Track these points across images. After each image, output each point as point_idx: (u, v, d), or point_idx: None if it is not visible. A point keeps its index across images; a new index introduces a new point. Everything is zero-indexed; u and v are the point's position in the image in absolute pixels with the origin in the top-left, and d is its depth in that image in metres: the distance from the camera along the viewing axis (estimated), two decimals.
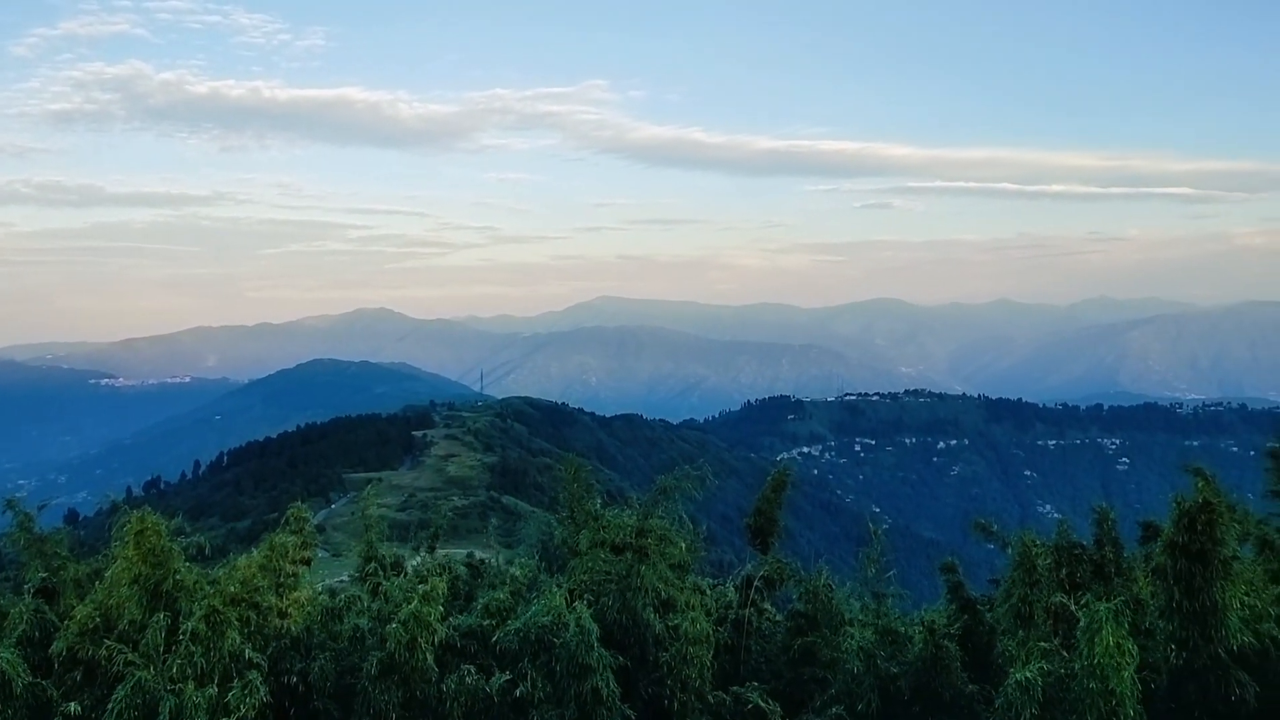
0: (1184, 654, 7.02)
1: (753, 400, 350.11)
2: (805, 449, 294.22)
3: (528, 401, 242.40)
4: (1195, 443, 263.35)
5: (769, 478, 10.75)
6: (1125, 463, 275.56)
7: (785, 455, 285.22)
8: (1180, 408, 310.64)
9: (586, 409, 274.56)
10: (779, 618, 11.21)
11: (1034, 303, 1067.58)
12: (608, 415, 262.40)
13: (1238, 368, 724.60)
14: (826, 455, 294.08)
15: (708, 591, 10.38)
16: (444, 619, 9.95)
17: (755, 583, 10.57)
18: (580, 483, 10.55)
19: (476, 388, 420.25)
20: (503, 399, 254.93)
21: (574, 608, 8.78)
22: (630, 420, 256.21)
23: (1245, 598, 7.56)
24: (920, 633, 9.65)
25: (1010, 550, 9.37)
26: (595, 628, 8.71)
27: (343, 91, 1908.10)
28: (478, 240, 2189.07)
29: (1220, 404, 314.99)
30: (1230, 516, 8.78)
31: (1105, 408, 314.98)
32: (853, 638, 9.60)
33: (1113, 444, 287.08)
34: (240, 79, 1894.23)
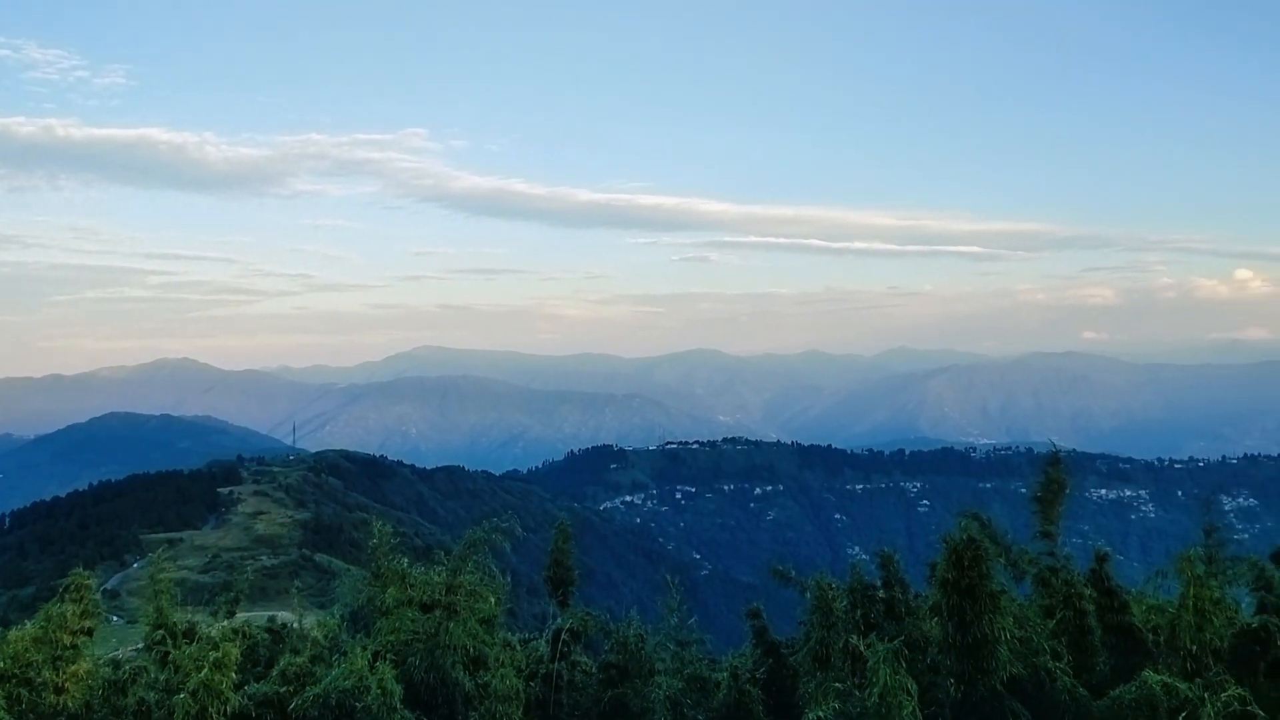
0: (962, 687, 7.45)
1: (576, 450, 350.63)
2: (628, 497, 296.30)
3: (343, 454, 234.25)
4: (988, 484, 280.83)
5: (555, 530, 10.75)
6: (926, 504, 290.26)
7: (608, 504, 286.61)
8: (974, 452, 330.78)
9: (406, 461, 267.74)
10: (593, 669, 11.18)
11: (842, 353, 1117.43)
12: (428, 467, 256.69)
13: (1024, 414, 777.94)
14: (649, 503, 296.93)
15: (518, 647, 10.26)
16: (238, 687, 9.42)
17: (562, 636, 10.52)
18: (384, 540, 10.25)
19: (289, 441, 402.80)
20: (317, 452, 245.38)
21: (376, 669, 8.50)
22: (452, 472, 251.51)
23: (1017, 630, 8.10)
24: (726, 678, 9.84)
25: (808, 594, 9.73)
26: (399, 689, 8.45)
27: (145, 132, 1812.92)
28: (291, 288, 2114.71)
29: (1009, 448, 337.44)
30: (996, 552, 9.49)
31: (907, 453, 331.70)
32: (660, 687, 9.70)
33: (914, 487, 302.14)
34: (31, 116, 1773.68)
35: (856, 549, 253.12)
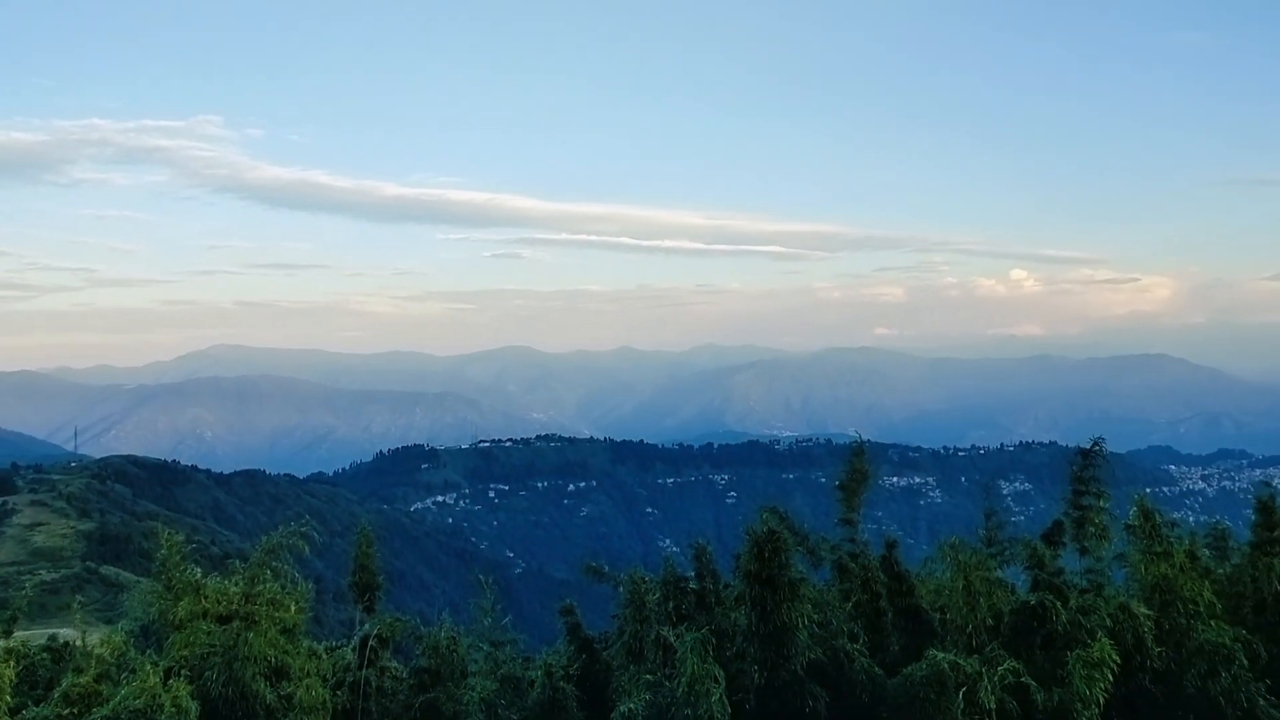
0: (765, 673, 7.73)
1: (385, 450, 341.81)
2: (440, 497, 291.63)
3: (131, 460, 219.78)
4: (791, 475, 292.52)
5: (357, 534, 10.38)
6: (734, 496, 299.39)
7: (420, 505, 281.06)
8: (778, 444, 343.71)
9: (201, 466, 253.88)
10: (404, 675, 10.90)
11: (653, 349, 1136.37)
12: (226, 472, 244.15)
13: (823, 407, 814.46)
14: (461, 503, 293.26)
15: (324, 655, 9.88)
16: (14, 712, 8.66)
17: (370, 642, 10.22)
18: (175, 549, 9.62)
19: (70, 447, 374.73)
20: (101, 458, 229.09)
21: (170, 687, 7.99)
22: (251, 476, 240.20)
23: (816, 615, 8.48)
24: (540, 676, 9.82)
25: (621, 589, 9.85)
26: (194, 706, 7.99)
27: None
28: (71, 283, 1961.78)
29: (810, 440, 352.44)
30: (795, 542, 9.94)
31: (715, 446, 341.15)
32: (474, 689, 9.58)
33: (722, 479, 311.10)
34: None
35: (668, 541, 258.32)
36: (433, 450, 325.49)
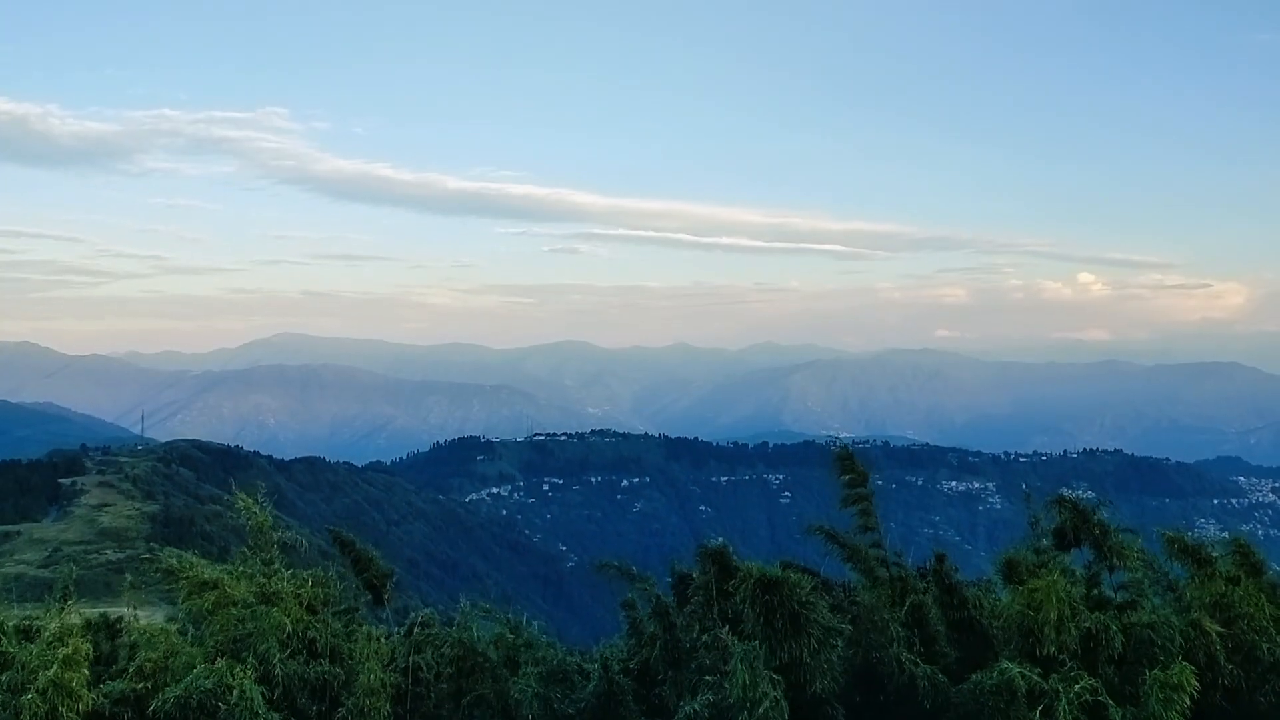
0: (790, 694, 7.74)
1: (442, 441, 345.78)
2: (494, 489, 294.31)
3: (196, 444, 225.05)
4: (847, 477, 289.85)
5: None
6: (788, 496, 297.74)
7: (474, 496, 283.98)
8: (835, 445, 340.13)
9: (263, 452, 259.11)
10: (453, 664, 10.96)
11: (709, 347, 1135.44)
12: (286, 459, 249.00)
13: (881, 408, 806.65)
14: (515, 495, 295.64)
15: (382, 640, 10.02)
16: (93, 685, 8.87)
17: (416, 630, 10.31)
18: (258, 521, 9.83)
19: (137, 430, 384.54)
20: (167, 442, 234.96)
21: (239, 671, 8.15)
22: (311, 463, 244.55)
23: (846, 626, 8.46)
24: (596, 669, 9.85)
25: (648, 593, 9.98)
26: (258, 691, 8.14)
27: None
28: (142, 270, 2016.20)
29: (867, 441, 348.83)
30: (846, 554, 9.95)
31: (770, 445, 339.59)
32: (527, 681, 9.64)
33: (777, 479, 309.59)
34: None
35: (720, 539, 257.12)
36: (488, 442, 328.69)
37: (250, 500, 10.62)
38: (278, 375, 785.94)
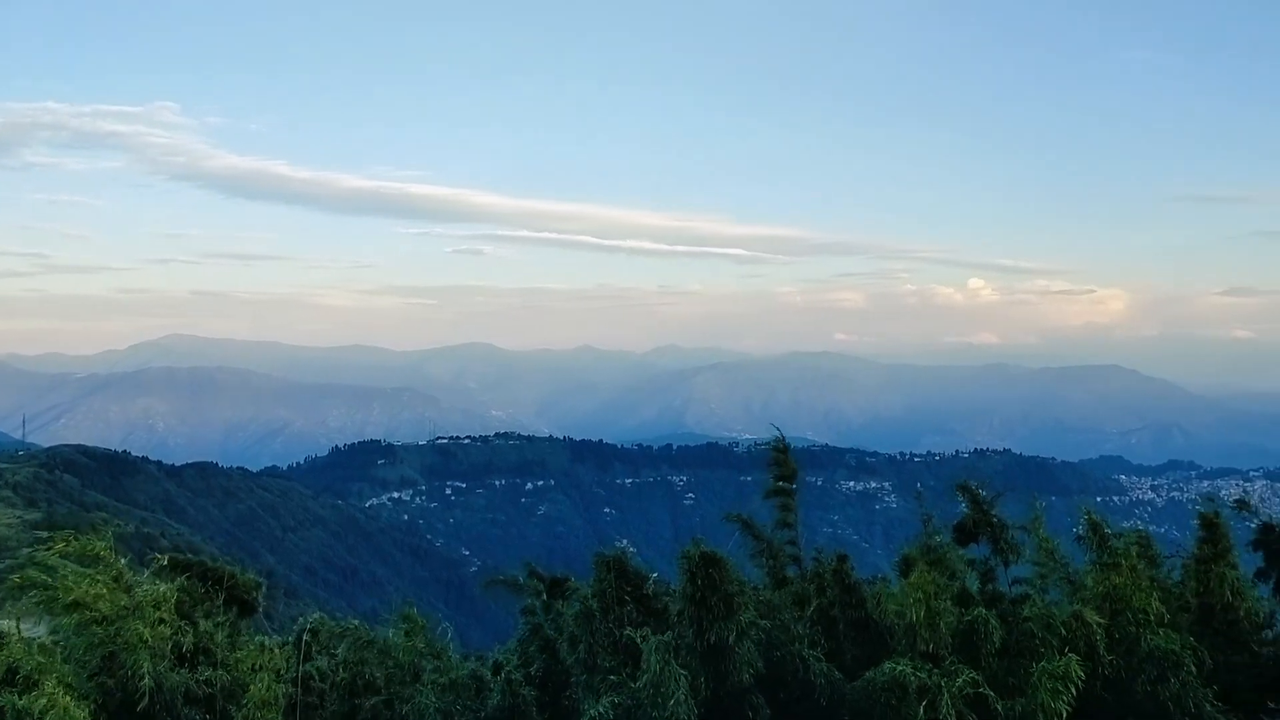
0: (711, 685, 7.79)
1: (341, 445, 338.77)
2: (396, 494, 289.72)
3: (81, 450, 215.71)
4: (749, 478, 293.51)
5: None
6: (691, 498, 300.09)
7: (375, 501, 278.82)
8: (737, 446, 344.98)
9: (152, 457, 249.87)
10: (347, 675, 10.71)
11: (613, 349, 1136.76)
12: (177, 464, 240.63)
13: (782, 410, 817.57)
14: (417, 500, 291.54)
15: (276, 651, 9.74)
16: None
17: (306, 637, 10.09)
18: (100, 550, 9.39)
19: (18, 435, 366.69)
20: (50, 447, 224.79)
21: (58, 694, 7.84)
22: (203, 469, 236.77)
23: (765, 623, 8.55)
24: (500, 680, 9.75)
25: (584, 588, 9.87)
26: (85, 711, 7.83)
27: None
28: (22, 268, 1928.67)
29: (769, 443, 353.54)
30: (759, 548, 10.09)
31: (674, 447, 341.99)
32: (427, 692, 9.50)
33: (680, 480, 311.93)
34: None
35: (625, 542, 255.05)
36: (390, 446, 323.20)
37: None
38: (167, 378, 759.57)
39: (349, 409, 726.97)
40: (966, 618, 8.66)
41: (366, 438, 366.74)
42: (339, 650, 10.09)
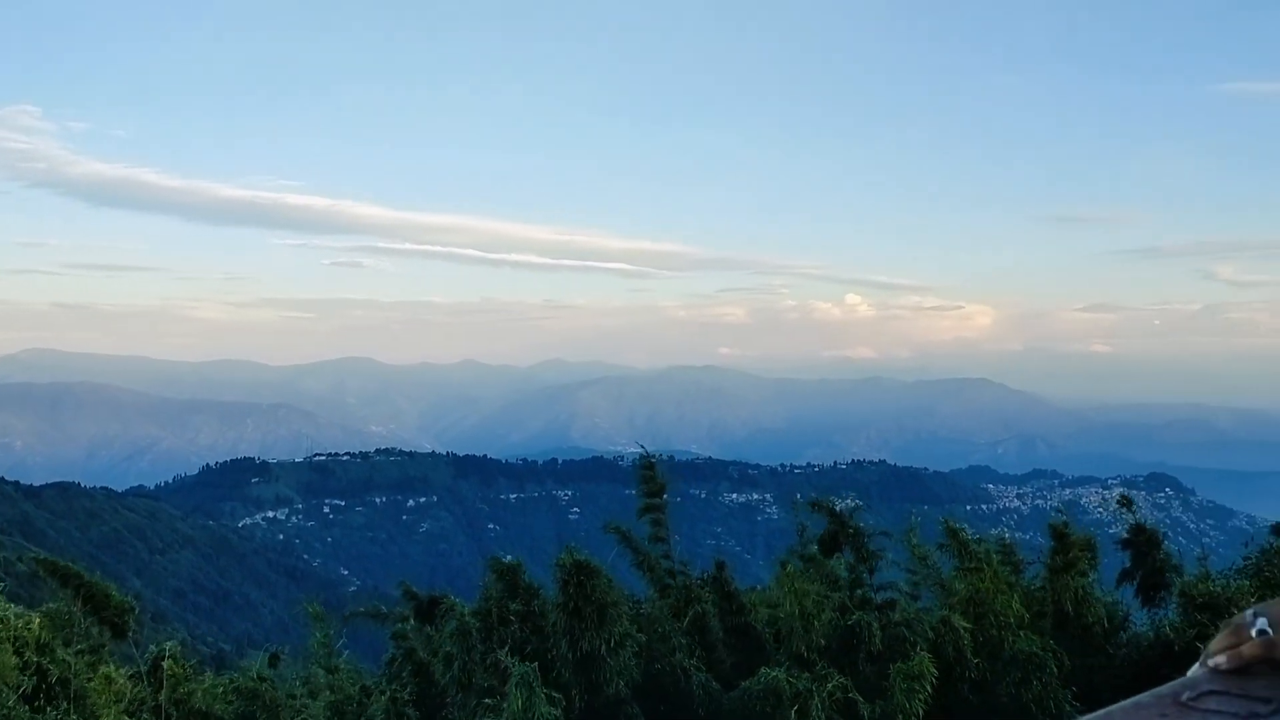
0: (584, 697, 7.76)
1: (213, 463, 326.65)
2: (270, 513, 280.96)
3: None
4: (633, 491, 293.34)
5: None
6: (576, 512, 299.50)
7: (248, 520, 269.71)
8: (622, 460, 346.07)
9: (9, 477, 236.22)
10: (214, 703, 10.30)
11: (497, 364, 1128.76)
12: (37, 484, 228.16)
13: (667, 424, 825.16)
14: (294, 519, 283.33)
15: (124, 681, 9.27)
16: None
17: (165, 664, 9.71)
18: None
19: None
20: None
21: None
22: (64, 489, 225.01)
23: (643, 636, 8.57)
24: (382, 700, 9.54)
25: (462, 607, 9.73)
26: None
27: None
28: None
29: (653, 456, 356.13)
30: (637, 560, 10.12)
31: (560, 462, 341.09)
32: (305, 714, 9.19)
33: (565, 495, 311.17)
34: None
35: (510, 557, 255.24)
36: (264, 463, 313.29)
37: None
38: (24, 394, 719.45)
39: (221, 425, 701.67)
40: (843, 623, 8.86)
41: (240, 455, 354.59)
42: (200, 679, 9.69)
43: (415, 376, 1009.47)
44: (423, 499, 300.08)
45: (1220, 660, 1.29)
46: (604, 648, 7.90)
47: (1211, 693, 1.20)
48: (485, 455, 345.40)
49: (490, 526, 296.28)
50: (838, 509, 11.19)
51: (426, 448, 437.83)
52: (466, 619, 8.88)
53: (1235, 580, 15.89)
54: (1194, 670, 1.29)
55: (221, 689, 9.59)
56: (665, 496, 11.68)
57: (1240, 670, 1.26)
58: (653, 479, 11.23)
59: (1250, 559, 16.77)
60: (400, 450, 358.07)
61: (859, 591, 10.55)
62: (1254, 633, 1.30)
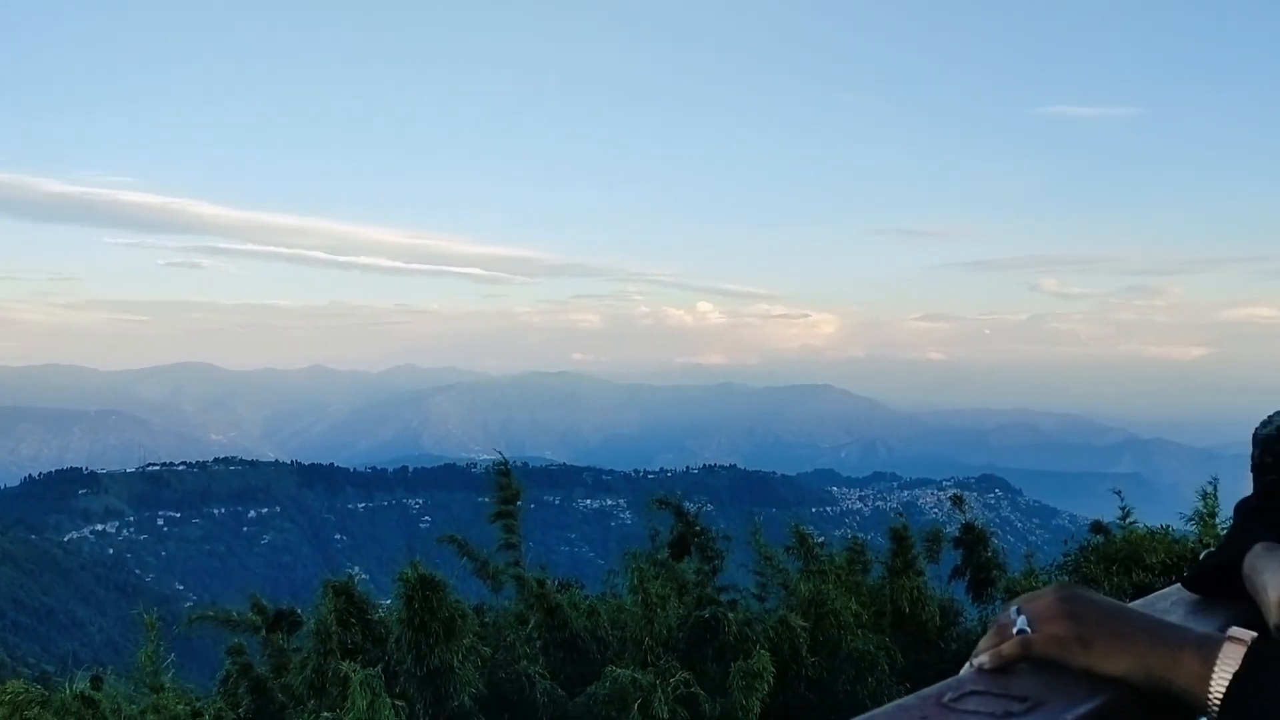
0: (431, 709, 7.68)
1: (36, 474, 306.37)
2: (99, 526, 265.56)
3: None
4: (487, 499, 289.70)
5: None
6: (428, 521, 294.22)
7: (75, 534, 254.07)
8: (475, 467, 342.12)
9: None
10: None
11: (346, 369, 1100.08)
12: None
13: (521, 430, 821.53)
14: (125, 532, 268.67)
15: None
16: None
17: None
18: None
19: None
20: None
21: None
22: None
23: (487, 648, 8.54)
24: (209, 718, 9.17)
25: (309, 621, 9.44)
26: None
27: None
28: None
29: (508, 462, 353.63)
30: (475, 568, 10.08)
31: (410, 469, 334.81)
32: None
33: (416, 504, 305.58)
34: None
35: (357, 569, 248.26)
36: (92, 474, 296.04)
37: None
38: None
39: (44, 434, 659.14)
40: (688, 623, 9.02)
41: (65, 465, 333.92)
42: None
43: (259, 382, 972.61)
44: (265, 510, 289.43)
45: (983, 660, 1.31)
46: (454, 660, 7.81)
47: (973, 693, 1.22)
48: (332, 463, 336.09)
49: (337, 537, 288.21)
50: (685, 509, 11.40)
51: (270, 456, 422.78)
52: (306, 632, 8.65)
53: (1055, 576, 16.99)
54: (964, 670, 1.29)
55: (35, 713, 9.00)
56: (519, 503, 11.64)
57: (1002, 669, 1.27)
58: (508, 485, 11.20)
59: (1069, 555, 18.00)
60: (241, 459, 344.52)
61: (704, 592, 10.76)
62: (1014, 631, 1.30)
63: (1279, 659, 1.15)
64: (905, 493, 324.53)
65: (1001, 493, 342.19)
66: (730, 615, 9.45)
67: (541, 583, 9.85)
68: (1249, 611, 1.54)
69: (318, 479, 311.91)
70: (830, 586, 10.39)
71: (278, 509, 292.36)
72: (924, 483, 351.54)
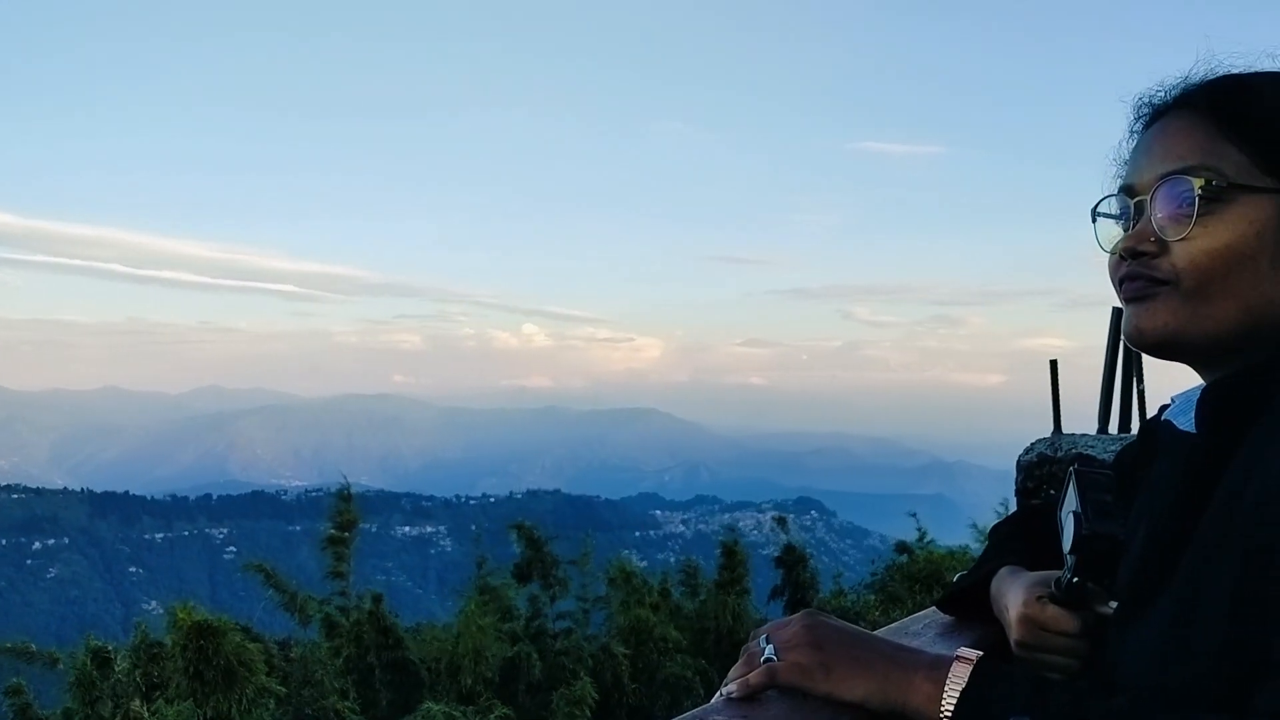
0: None
1: None
2: None
3: None
4: (298, 527, 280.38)
5: None
6: (233, 551, 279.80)
7: None
8: (285, 494, 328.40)
9: None
10: None
11: (144, 390, 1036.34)
12: None
13: (336, 455, 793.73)
14: None
15: None
16: None
17: None
18: None
19: None
20: None
21: None
22: None
23: (280, 687, 8.11)
24: None
25: (67, 667, 8.67)
26: None
27: None
28: None
29: (321, 489, 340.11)
30: (282, 600, 9.57)
31: (214, 497, 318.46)
32: None
33: (220, 533, 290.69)
34: None
35: (154, 604, 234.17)
36: None
37: None
38: None
39: None
40: (508, 655, 8.82)
41: None
42: None
43: (46, 403, 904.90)
44: (51, 540, 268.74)
45: (732, 689, 1.29)
46: (234, 709, 7.34)
47: None
48: (128, 491, 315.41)
49: (132, 570, 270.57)
50: (535, 534, 11.22)
51: (58, 483, 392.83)
52: (89, 670, 7.97)
53: (863, 594, 17.72)
54: (714, 699, 1.29)
55: None
56: (352, 532, 11.16)
57: (749, 698, 1.26)
58: (347, 511, 10.73)
59: (876, 574, 18.82)
60: (25, 486, 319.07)
61: (536, 622, 10.57)
62: (761, 660, 1.30)
63: (1003, 676, 1.19)
64: (726, 515, 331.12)
65: (817, 514, 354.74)
66: (554, 645, 9.31)
67: (374, 613, 9.45)
68: (997, 632, 1.58)
69: (111, 508, 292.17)
70: (648, 613, 10.39)
71: (66, 540, 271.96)
72: (744, 505, 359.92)
